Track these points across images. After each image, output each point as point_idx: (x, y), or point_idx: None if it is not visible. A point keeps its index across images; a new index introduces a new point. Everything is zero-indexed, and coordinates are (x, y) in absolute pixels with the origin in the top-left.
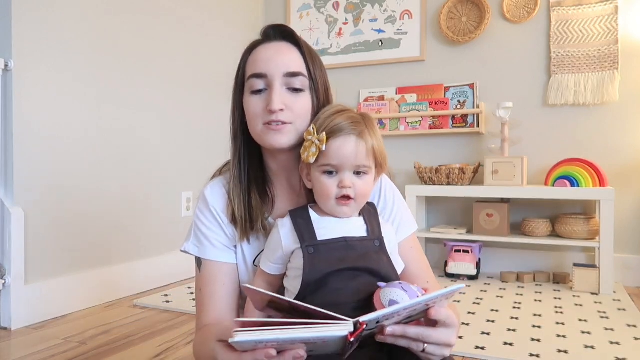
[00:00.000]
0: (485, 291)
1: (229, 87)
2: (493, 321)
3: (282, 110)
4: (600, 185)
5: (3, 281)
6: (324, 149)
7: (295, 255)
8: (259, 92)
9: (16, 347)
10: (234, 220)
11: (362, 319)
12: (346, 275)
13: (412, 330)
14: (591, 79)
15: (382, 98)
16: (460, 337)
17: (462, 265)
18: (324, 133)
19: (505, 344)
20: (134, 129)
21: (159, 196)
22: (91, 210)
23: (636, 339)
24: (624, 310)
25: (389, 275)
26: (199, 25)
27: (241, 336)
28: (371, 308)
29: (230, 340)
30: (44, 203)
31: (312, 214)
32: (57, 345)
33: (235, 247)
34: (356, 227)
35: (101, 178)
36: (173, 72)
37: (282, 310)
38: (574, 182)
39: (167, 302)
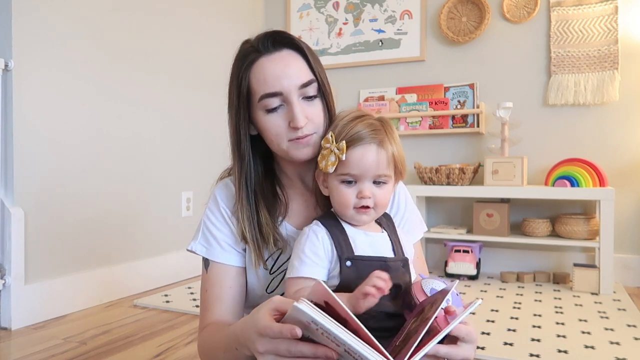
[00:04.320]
0: (485, 291)
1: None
2: (493, 321)
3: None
4: (600, 185)
5: (3, 281)
6: (344, 158)
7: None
8: (274, 110)
9: (16, 347)
10: (244, 240)
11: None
12: None
13: (443, 350)
14: (591, 79)
15: (382, 98)
16: None
17: (462, 265)
18: (344, 142)
19: (505, 344)
20: (134, 129)
21: (159, 196)
22: (91, 210)
23: (636, 339)
24: (624, 310)
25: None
26: (199, 24)
27: (305, 306)
28: (391, 319)
29: (294, 303)
30: (44, 203)
31: (345, 225)
32: (57, 345)
33: (245, 250)
34: (382, 245)
35: (101, 178)
36: (173, 72)
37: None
38: (574, 182)
39: (167, 302)
